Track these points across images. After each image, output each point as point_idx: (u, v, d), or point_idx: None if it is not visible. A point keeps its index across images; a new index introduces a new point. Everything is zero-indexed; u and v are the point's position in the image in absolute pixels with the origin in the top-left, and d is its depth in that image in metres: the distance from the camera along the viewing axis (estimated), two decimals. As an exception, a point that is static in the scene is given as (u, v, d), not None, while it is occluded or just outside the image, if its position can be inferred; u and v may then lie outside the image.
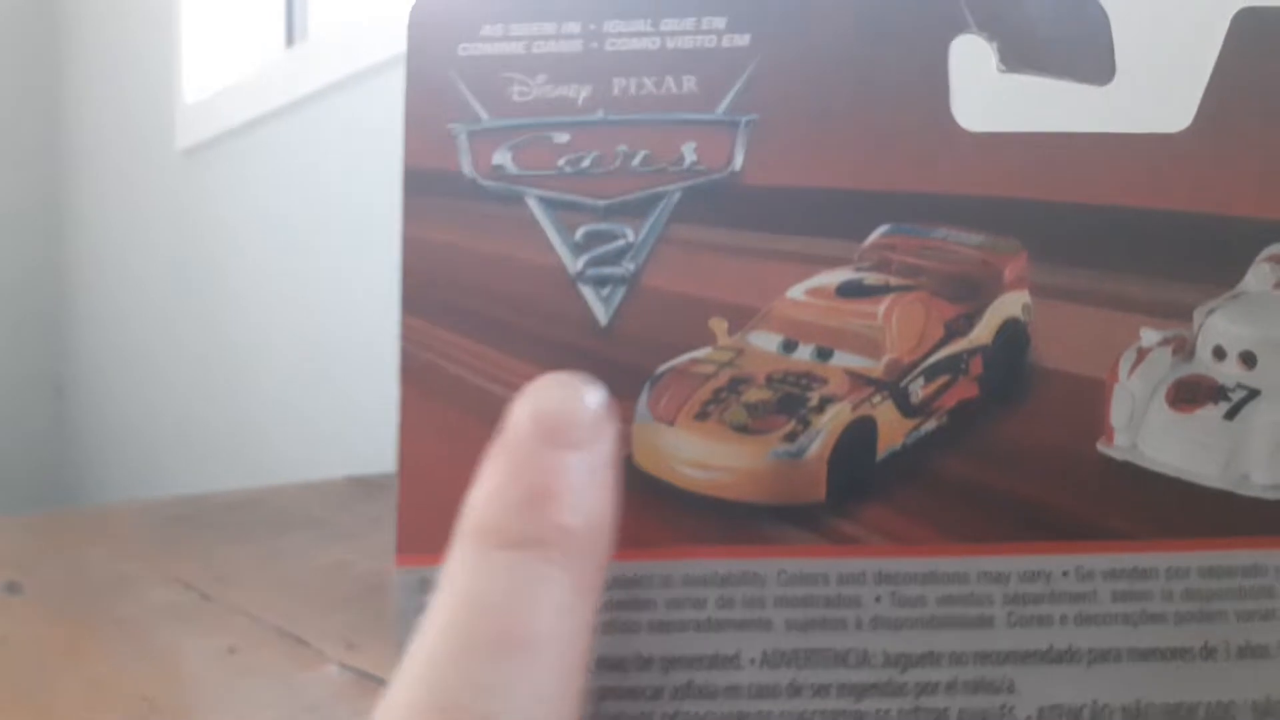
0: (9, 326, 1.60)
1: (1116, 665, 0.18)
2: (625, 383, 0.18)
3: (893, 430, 0.18)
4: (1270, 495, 0.18)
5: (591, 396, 0.16)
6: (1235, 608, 0.18)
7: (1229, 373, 0.18)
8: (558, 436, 0.16)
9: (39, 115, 1.64)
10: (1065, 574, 0.18)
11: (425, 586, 0.18)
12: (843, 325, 0.18)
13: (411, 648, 0.15)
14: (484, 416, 0.18)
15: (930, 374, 0.18)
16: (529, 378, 0.18)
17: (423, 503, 0.18)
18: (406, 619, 0.17)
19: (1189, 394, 0.18)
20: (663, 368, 0.18)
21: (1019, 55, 0.19)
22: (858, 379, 0.18)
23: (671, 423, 0.18)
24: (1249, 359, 0.18)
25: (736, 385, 0.18)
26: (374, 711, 0.14)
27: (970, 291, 0.18)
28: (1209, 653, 0.18)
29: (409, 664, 0.14)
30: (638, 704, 0.18)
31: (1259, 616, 0.18)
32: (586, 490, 0.16)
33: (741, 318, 0.18)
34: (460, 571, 0.15)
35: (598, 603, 0.16)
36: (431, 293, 0.18)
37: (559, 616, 0.15)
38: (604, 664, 0.18)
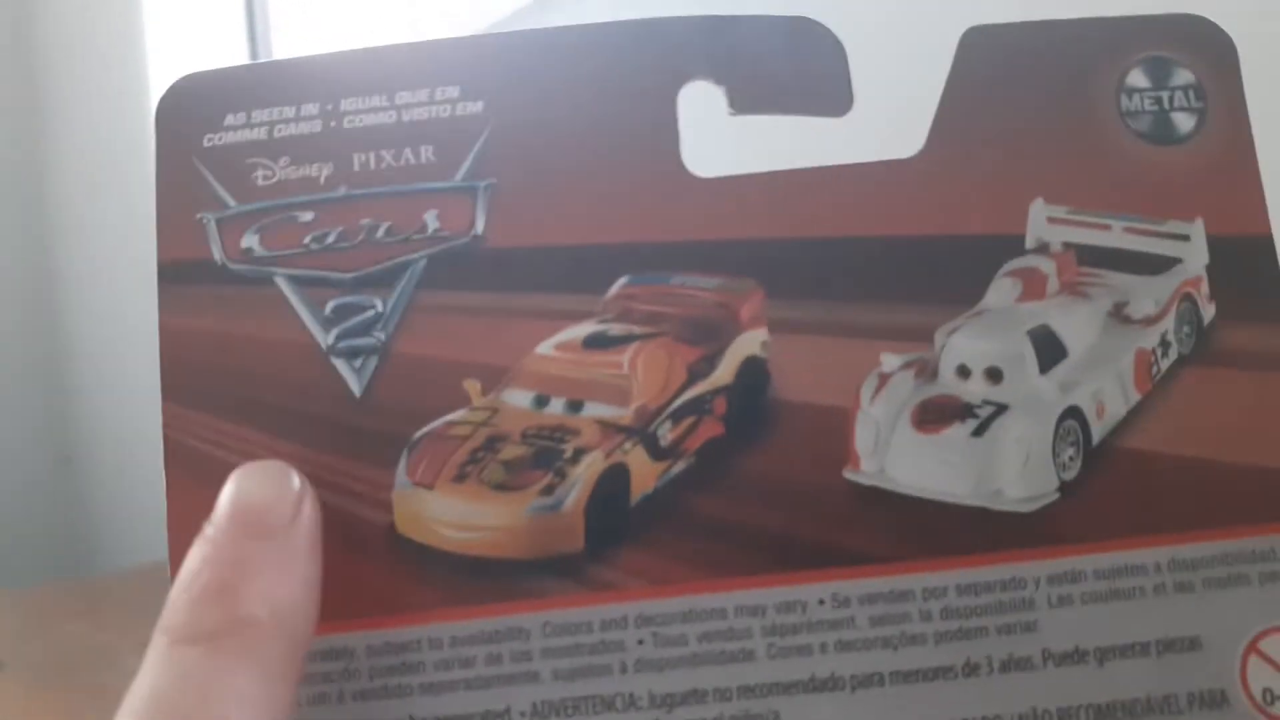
0: (16, 396, 1.61)
1: (880, 689, 0.18)
2: (383, 451, 0.19)
3: (645, 474, 0.19)
4: (1024, 508, 0.18)
5: (290, 482, 0.17)
6: (996, 622, 0.18)
7: (975, 390, 0.19)
8: (250, 526, 0.16)
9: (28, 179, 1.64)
10: (821, 602, 0.18)
11: None
12: (591, 376, 0.19)
13: None
14: None
15: (677, 417, 0.19)
16: (290, 456, 0.18)
17: None
18: None
19: (935, 415, 0.19)
20: (419, 433, 0.19)
21: (749, 97, 0.19)
22: (609, 427, 0.19)
23: (431, 487, 0.19)
24: (994, 374, 0.19)
25: (493, 444, 0.19)
26: None
27: (710, 334, 0.19)
28: (972, 669, 0.18)
29: None
30: None
31: (1020, 629, 0.18)
32: (275, 578, 0.16)
33: (494, 377, 0.19)
34: (144, 670, 0.15)
35: (291, 688, 0.16)
36: (190, 379, 0.19)
37: (240, 706, 0.15)
38: None
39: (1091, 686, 0.18)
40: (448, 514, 0.18)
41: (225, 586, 0.16)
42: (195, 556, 0.16)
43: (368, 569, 0.18)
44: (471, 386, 0.19)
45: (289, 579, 0.16)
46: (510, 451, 0.19)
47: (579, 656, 0.18)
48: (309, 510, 0.17)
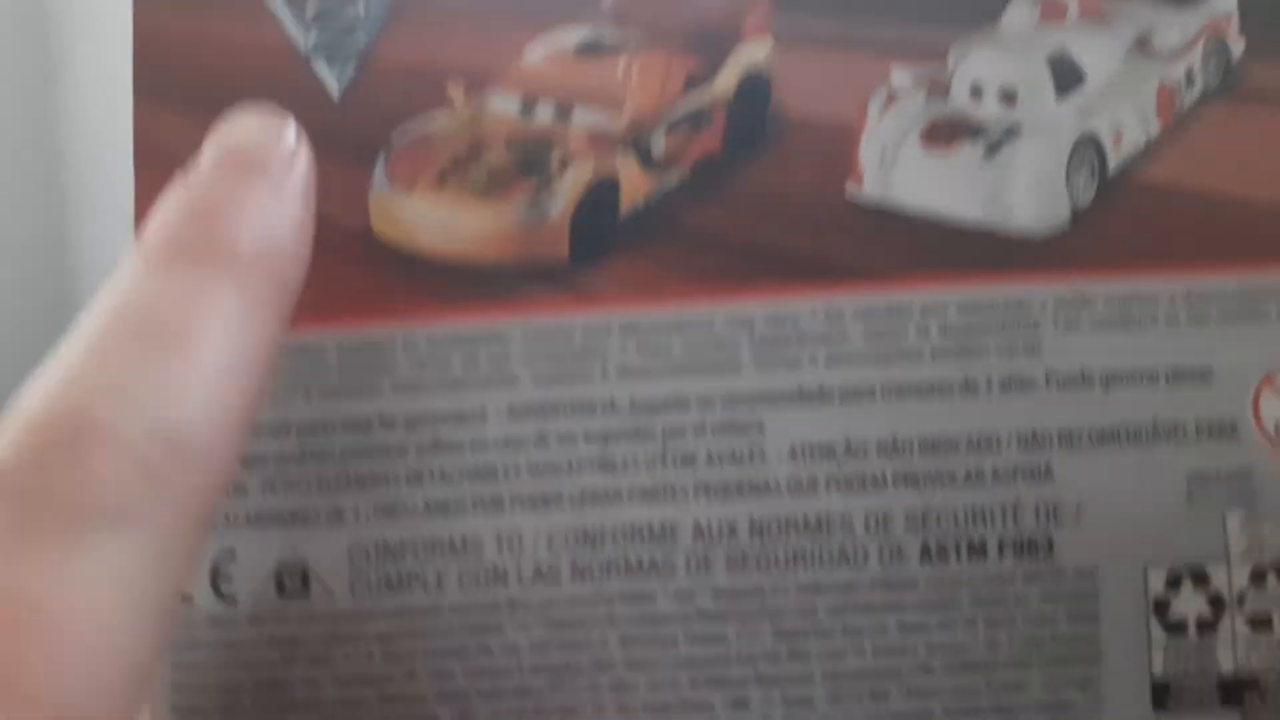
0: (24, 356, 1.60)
1: (871, 402, 0.17)
2: (361, 154, 0.18)
3: (635, 186, 0.18)
4: (1034, 231, 0.17)
5: (286, 130, 0.16)
6: (997, 342, 0.17)
7: (988, 111, 0.18)
8: (242, 165, 0.15)
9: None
10: (813, 315, 0.17)
11: None
12: (582, 83, 0.18)
13: (54, 354, 0.13)
14: None
15: (672, 128, 0.18)
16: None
17: None
18: None
19: (945, 133, 0.18)
20: (399, 136, 0.18)
21: None
22: (599, 137, 0.18)
23: (411, 190, 0.18)
24: (1009, 96, 0.18)
25: (477, 149, 0.18)
26: None
27: (711, 43, 0.18)
28: (969, 387, 0.17)
29: (43, 370, 0.13)
30: (382, 462, 0.17)
31: (1022, 350, 0.17)
32: (265, 214, 0.15)
33: (481, 82, 0.18)
34: (115, 281, 0.14)
35: (272, 325, 0.15)
36: (163, 78, 0.18)
37: (217, 321, 0.14)
38: (347, 425, 0.17)
39: (1095, 410, 0.17)
40: (428, 218, 0.18)
41: (216, 210, 0.15)
42: (178, 189, 0.15)
43: (341, 270, 0.17)
44: (454, 89, 0.18)
45: (279, 219, 0.15)
46: (494, 157, 0.18)
47: (560, 362, 0.17)
48: (304, 156, 0.16)
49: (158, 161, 0.18)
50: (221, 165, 0.15)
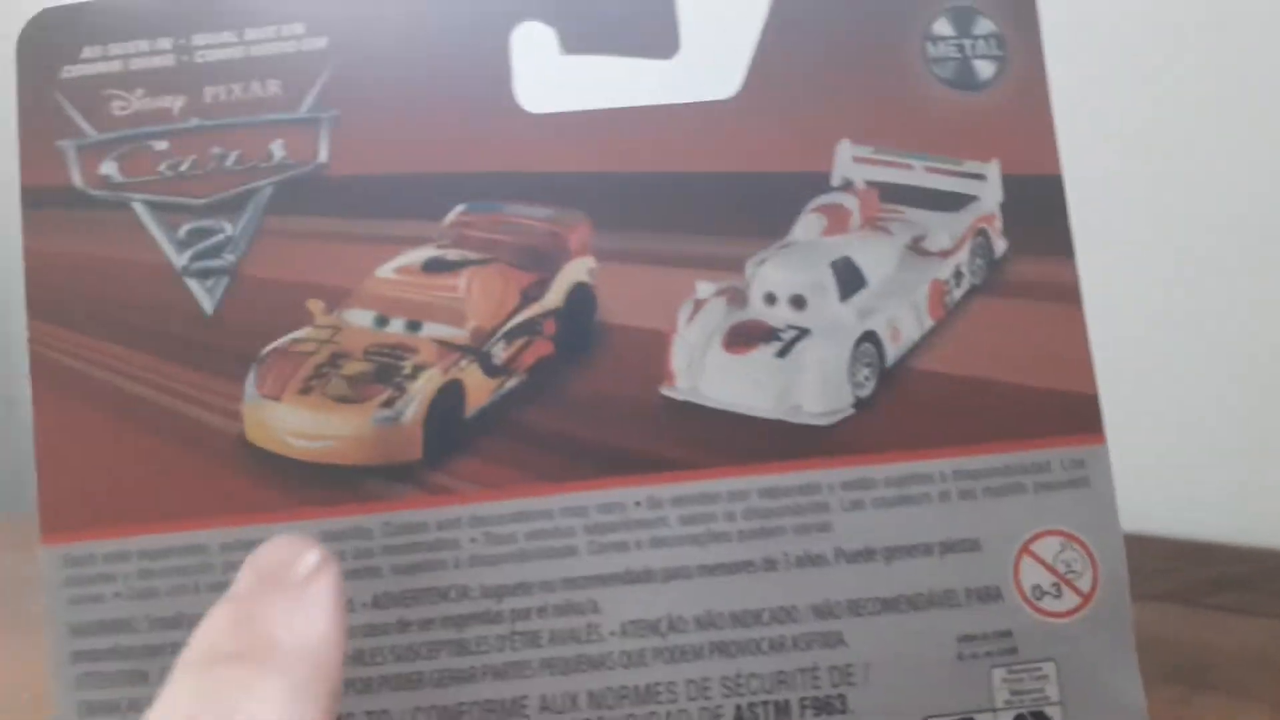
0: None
1: (688, 581, 0.19)
2: (233, 366, 0.20)
3: (479, 390, 0.20)
4: (821, 421, 0.20)
5: (310, 551, 0.17)
6: (793, 523, 0.20)
7: (780, 315, 0.20)
8: (274, 580, 0.17)
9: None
10: (638, 504, 0.19)
11: (70, 562, 0.19)
12: (429, 298, 0.20)
13: None
14: (107, 405, 0.20)
15: (510, 337, 0.20)
16: (146, 368, 0.20)
17: (61, 488, 0.20)
18: (54, 591, 0.19)
19: (743, 337, 0.20)
20: (267, 349, 0.20)
21: (579, 38, 0.20)
22: (446, 346, 0.20)
23: (278, 399, 0.20)
24: (799, 302, 0.20)
25: (336, 360, 0.20)
26: None
27: (541, 260, 0.20)
28: (770, 564, 0.19)
29: None
30: None
31: (816, 529, 0.20)
32: (298, 615, 0.16)
33: (337, 298, 0.20)
34: (166, 691, 0.15)
35: (322, 709, 0.16)
36: (54, 298, 0.20)
37: (267, 708, 0.15)
38: None
39: (879, 582, 0.19)
40: (295, 423, 0.20)
41: (248, 618, 0.16)
42: (218, 607, 0.16)
43: (219, 474, 0.20)
44: (315, 305, 0.20)
45: (311, 617, 0.16)
46: (353, 367, 0.20)
47: (417, 553, 0.19)
48: (329, 569, 0.17)
49: (52, 375, 0.20)
50: (254, 581, 0.17)
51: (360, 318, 0.20)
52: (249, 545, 0.19)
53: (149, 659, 0.19)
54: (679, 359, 0.20)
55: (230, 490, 0.20)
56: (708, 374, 0.20)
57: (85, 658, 0.19)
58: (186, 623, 0.19)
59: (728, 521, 0.20)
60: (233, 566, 0.19)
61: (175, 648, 0.19)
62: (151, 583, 0.19)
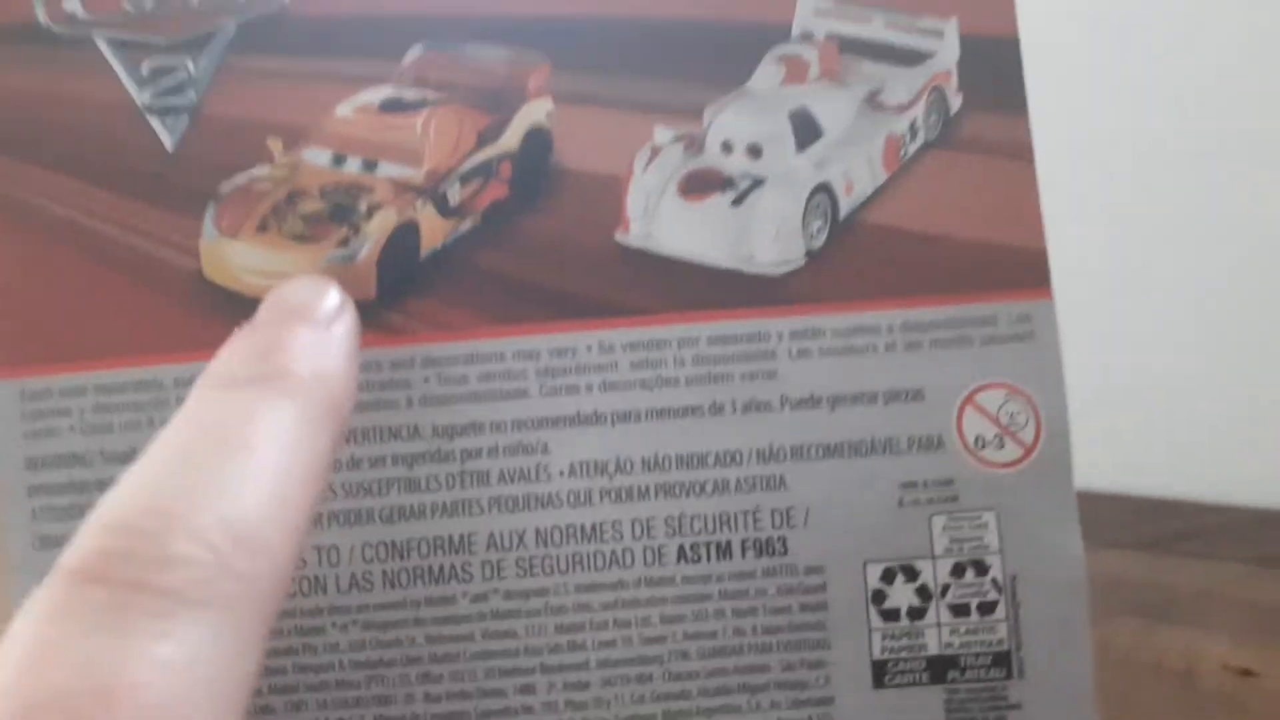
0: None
1: (636, 424, 0.20)
2: (192, 204, 0.20)
3: (434, 231, 0.20)
4: (772, 271, 0.20)
5: (333, 292, 0.17)
6: (741, 369, 0.20)
7: (736, 164, 0.20)
8: (294, 313, 0.17)
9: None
10: (589, 348, 0.20)
11: (26, 395, 0.20)
12: (386, 138, 0.20)
13: (128, 470, 0.15)
14: (67, 240, 0.20)
15: (466, 179, 0.20)
16: (106, 203, 0.20)
17: (18, 322, 0.20)
18: (9, 425, 0.20)
19: (699, 185, 0.20)
20: (226, 186, 0.20)
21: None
22: (401, 186, 0.20)
23: (235, 236, 0.20)
24: (755, 150, 0.20)
25: (293, 198, 0.20)
26: (87, 517, 0.14)
27: (499, 102, 0.20)
28: (717, 409, 0.20)
29: (123, 477, 0.15)
30: None
31: (762, 376, 0.20)
32: (316, 350, 0.17)
33: (296, 136, 0.20)
34: (185, 405, 0.16)
35: (326, 441, 0.16)
36: (15, 132, 0.20)
37: (277, 430, 0.15)
38: None
39: (823, 428, 0.20)
40: (251, 261, 0.20)
41: (268, 346, 0.16)
42: (238, 334, 0.17)
43: (176, 310, 0.20)
44: (274, 144, 0.20)
45: (328, 356, 0.17)
46: (309, 205, 0.20)
47: (369, 391, 0.20)
48: (349, 311, 0.17)
49: (8, 206, 0.20)
50: (276, 314, 0.17)
51: (318, 156, 0.20)
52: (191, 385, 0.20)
53: (103, 493, 0.20)
54: (634, 204, 0.20)
55: (187, 326, 0.20)
56: (662, 221, 0.20)
57: (40, 491, 0.20)
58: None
59: (677, 367, 0.20)
60: (161, 404, 0.20)
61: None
62: (107, 417, 0.20)
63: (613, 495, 0.20)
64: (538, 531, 0.20)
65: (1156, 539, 0.51)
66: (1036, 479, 0.20)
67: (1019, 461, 0.20)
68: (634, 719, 0.19)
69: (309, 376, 0.16)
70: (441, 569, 0.20)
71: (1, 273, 0.20)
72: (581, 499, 0.20)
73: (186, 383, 0.19)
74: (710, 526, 0.20)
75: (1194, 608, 0.45)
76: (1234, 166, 0.51)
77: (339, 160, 0.20)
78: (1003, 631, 0.19)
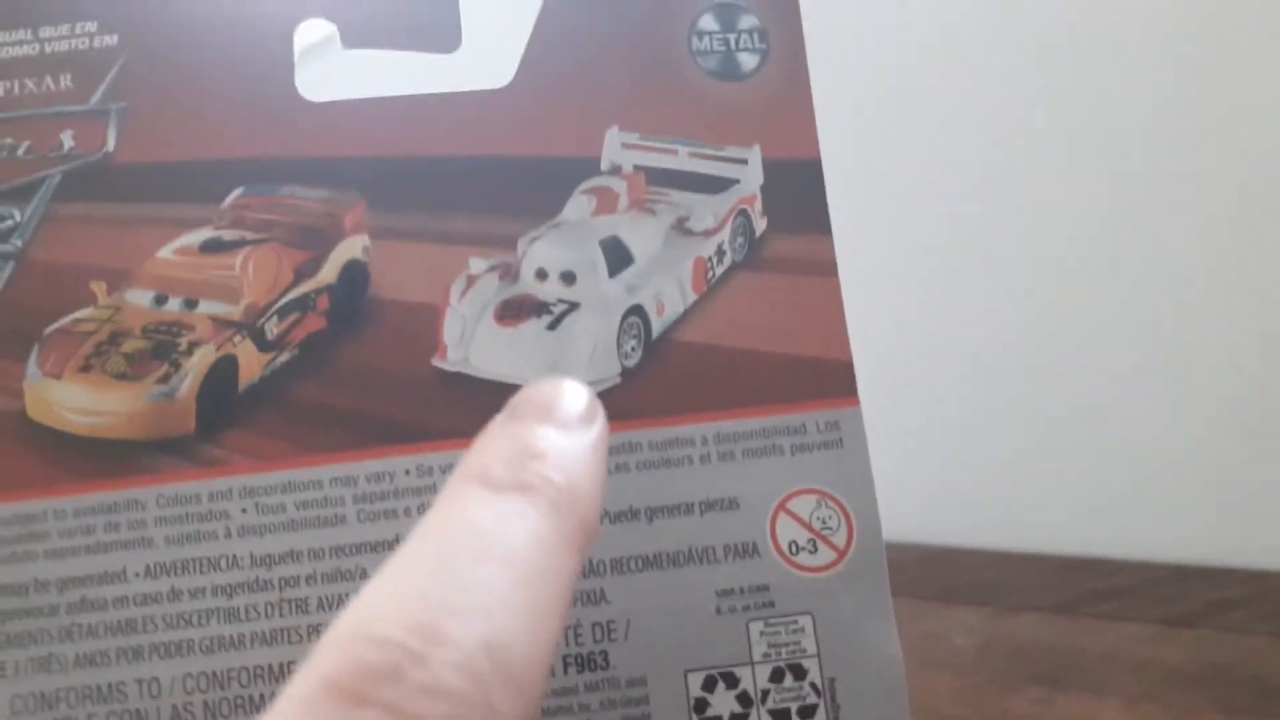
0: None
1: None
2: (17, 346, 0.20)
3: (252, 365, 0.21)
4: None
5: (583, 391, 0.17)
6: None
7: (551, 290, 0.21)
8: (549, 415, 0.16)
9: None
10: (407, 472, 0.20)
11: None
12: (206, 277, 0.21)
13: (390, 558, 0.14)
14: None
15: (283, 313, 0.21)
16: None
17: None
18: None
19: (514, 311, 0.21)
20: (50, 328, 0.20)
21: (359, 33, 0.22)
22: (220, 323, 0.21)
23: (59, 376, 0.20)
24: (568, 277, 0.21)
25: (116, 338, 0.21)
26: (350, 605, 0.13)
27: (316, 239, 0.21)
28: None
29: (387, 565, 0.14)
30: (37, 621, 0.20)
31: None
32: (572, 458, 0.16)
33: (120, 280, 0.21)
34: (443, 501, 0.15)
35: (579, 558, 0.15)
36: None
37: (536, 544, 0.14)
38: (5, 590, 0.20)
39: (641, 540, 0.20)
40: (74, 400, 0.20)
41: (532, 452, 0.16)
42: (495, 429, 0.16)
43: (0, 450, 0.20)
44: (98, 287, 0.21)
45: (581, 465, 0.16)
46: (131, 345, 0.21)
47: (188, 524, 0.20)
48: (601, 417, 0.17)
49: None
50: (531, 413, 0.17)
51: (140, 297, 0.21)
52: (24, 520, 0.20)
53: None
54: (451, 331, 0.21)
55: (10, 466, 0.20)
56: (479, 345, 0.21)
57: None
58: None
59: None
60: (5, 541, 0.20)
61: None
62: None
63: None
64: None
65: (1070, 600, 0.51)
66: (851, 582, 0.20)
67: (833, 565, 0.20)
68: None
69: (567, 488, 0.15)
70: (263, 698, 0.19)
71: None
72: None
73: (8, 522, 0.19)
74: (532, 645, 0.20)
75: (1096, 672, 0.45)
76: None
77: (160, 300, 0.21)
78: (825, 736, 0.20)
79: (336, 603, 0.20)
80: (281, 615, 0.20)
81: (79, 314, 0.21)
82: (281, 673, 0.20)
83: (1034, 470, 0.57)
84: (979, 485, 0.59)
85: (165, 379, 0.20)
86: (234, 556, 0.20)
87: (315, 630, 0.20)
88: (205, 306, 0.21)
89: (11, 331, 0.21)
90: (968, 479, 0.59)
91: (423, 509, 0.20)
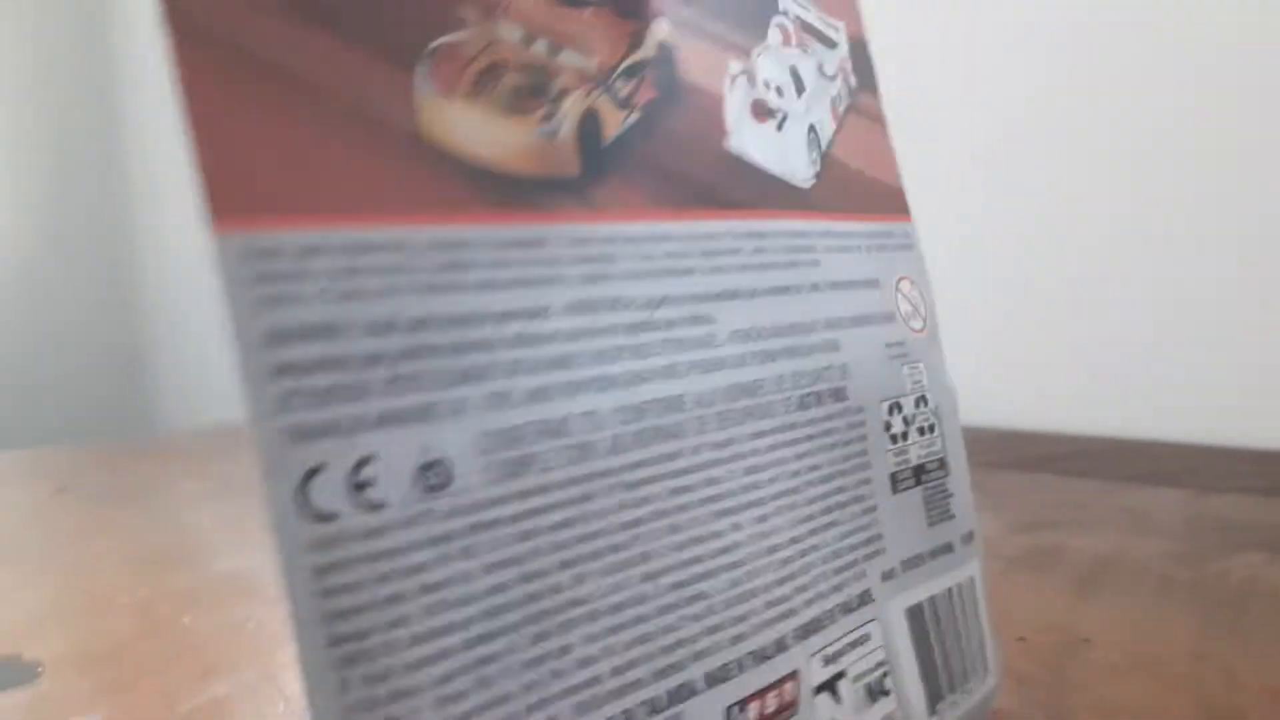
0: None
1: (756, 299, 0.23)
2: (403, 57, 0.18)
3: (611, 119, 0.21)
4: (805, 185, 0.25)
5: None
6: (799, 259, 0.25)
7: (771, 98, 0.25)
8: None
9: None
10: (735, 235, 0.23)
11: (259, 253, 0.15)
12: (565, 27, 0.21)
13: None
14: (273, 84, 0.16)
15: (627, 75, 0.22)
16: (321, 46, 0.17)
17: (233, 169, 0.16)
18: (240, 291, 0.15)
19: (759, 110, 0.25)
20: (433, 44, 0.18)
21: None
22: (582, 74, 0.21)
23: (449, 97, 0.18)
24: (780, 91, 0.26)
25: (495, 68, 0.19)
26: None
27: (639, 10, 0.22)
28: (797, 290, 0.24)
29: None
30: (487, 355, 0.18)
31: (806, 264, 0.25)
32: None
33: (491, 9, 0.19)
34: None
35: None
36: None
37: None
38: (448, 321, 0.17)
39: (852, 303, 0.26)
40: (469, 126, 0.19)
41: None
42: None
43: (403, 170, 0.18)
44: (470, 11, 0.19)
45: None
46: (511, 79, 0.20)
47: (591, 264, 0.20)
48: None
49: (213, 49, 0.16)
50: None
51: (510, 32, 0.20)
52: (457, 246, 0.18)
53: (365, 370, 0.17)
54: (731, 117, 0.24)
55: (420, 187, 0.18)
56: (746, 135, 0.24)
57: (290, 371, 0.16)
58: (402, 326, 0.17)
59: (773, 254, 0.24)
60: (446, 268, 0.18)
61: (393, 353, 0.17)
62: (357, 281, 0.17)
63: (761, 356, 0.23)
64: (714, 390, 0.22)
65: (1275, 484, 0.58)
66: (933, 341, 0.29)
67: (922, 330, 0.28)
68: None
69: None
70: (666, 427, 0.21)
71: (203, 120, 0.16)
72: (740, 361, 0.23)
73: (437, 246, 0.18)
74: (808, 381, 0.24)
75: (1055, 514, 0.53)
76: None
77: (529, 40, 0.20)
78: (939, 444, 0.28)
79: (695, 345, 0.22)
80: (669, 353, 0.21)
81: (454, 36, 0.19)
82: (676, 404, 0.21)
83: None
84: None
85: (548, 118, 0.20)
86: (629, 298, 0.21)
87: (695, 367, 0.22)
88: (566, 56, 0.21)
89: (398, 40, 0.18)
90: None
91: (742, 267, 0.23)
